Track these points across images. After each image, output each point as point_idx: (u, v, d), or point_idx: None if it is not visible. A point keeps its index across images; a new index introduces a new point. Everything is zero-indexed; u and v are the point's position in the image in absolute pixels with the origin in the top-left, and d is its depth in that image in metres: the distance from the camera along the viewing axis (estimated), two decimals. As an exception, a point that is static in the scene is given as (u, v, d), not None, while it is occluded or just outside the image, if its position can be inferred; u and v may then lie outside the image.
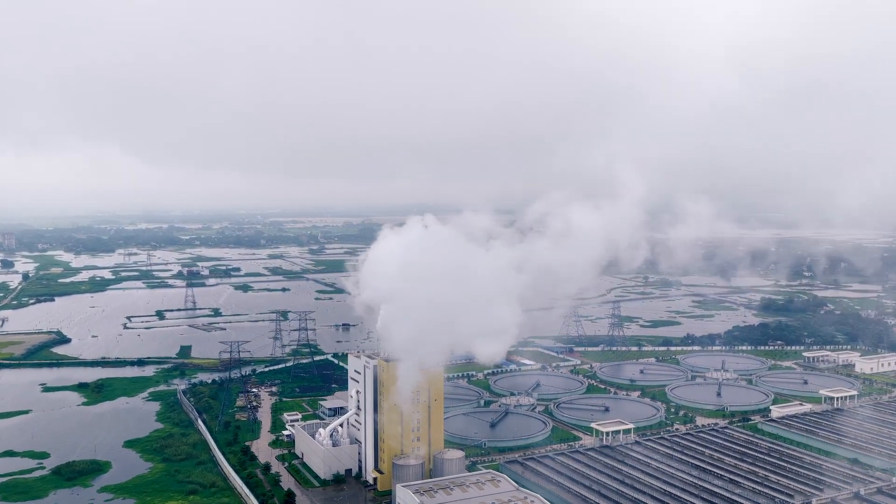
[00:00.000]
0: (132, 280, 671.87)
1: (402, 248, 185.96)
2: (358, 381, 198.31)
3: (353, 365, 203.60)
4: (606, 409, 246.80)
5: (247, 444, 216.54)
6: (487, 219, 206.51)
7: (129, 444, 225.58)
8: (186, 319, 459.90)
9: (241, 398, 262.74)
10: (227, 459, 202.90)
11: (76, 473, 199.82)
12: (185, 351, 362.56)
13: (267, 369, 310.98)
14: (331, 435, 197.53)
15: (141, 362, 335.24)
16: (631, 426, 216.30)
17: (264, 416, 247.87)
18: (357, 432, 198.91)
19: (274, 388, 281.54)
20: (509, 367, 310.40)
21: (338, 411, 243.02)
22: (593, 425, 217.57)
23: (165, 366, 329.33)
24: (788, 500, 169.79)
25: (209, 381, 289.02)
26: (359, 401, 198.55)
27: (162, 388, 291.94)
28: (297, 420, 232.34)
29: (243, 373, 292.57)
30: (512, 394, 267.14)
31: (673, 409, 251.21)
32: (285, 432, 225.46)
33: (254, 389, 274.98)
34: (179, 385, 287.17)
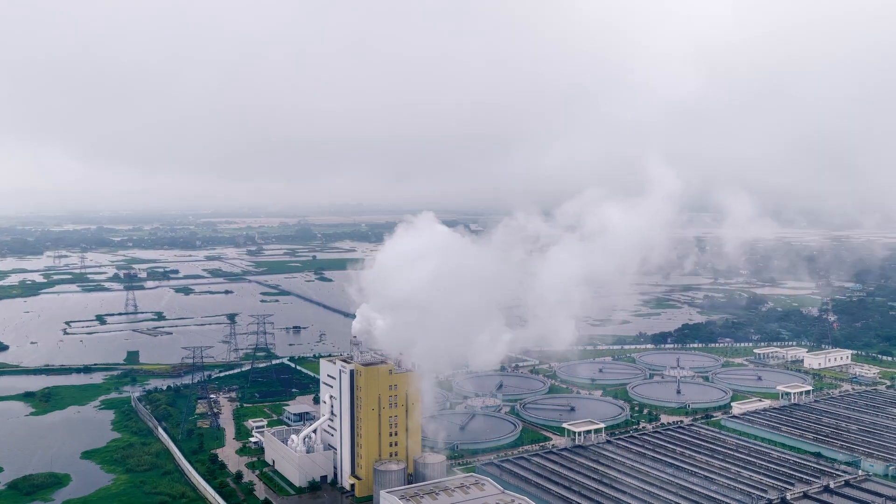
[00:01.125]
0: (66, 283, 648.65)
1: (423, 252, 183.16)
2: (332, 387, 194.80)
3: (325, 370, 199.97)
4: (572, 409, 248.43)
5: (213, 452, 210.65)
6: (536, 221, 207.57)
7: (88, 455, 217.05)
8: (129, 324, 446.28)
9: (200, 405, 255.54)
10: (196, 469, 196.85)
11: (34, 488, 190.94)
12: (132, 357, 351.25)
13: (222, 374, 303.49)
14: (304, 441, 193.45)
15: (87, 369, 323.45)
16: (602, 425, 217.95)
17: (227, 422, 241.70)
18: (331, 438, 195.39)
19: (233, 394, 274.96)
20: (469, 368, 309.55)
21: (303, 416, 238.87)
22: (565, 425, 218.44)
23: (114, 372, 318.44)
24: (763, 495, 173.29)
25: (164, 388, 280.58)
26: (332, 406, 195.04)
27: (114, 395, 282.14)
28: (262, 426, 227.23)
29: (196, 379, 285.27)
30: (476, 395, 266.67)
31: (637, 408, 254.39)
32: (252, 439, 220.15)
33: (212, 395, 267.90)
34: (133, 392, 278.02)
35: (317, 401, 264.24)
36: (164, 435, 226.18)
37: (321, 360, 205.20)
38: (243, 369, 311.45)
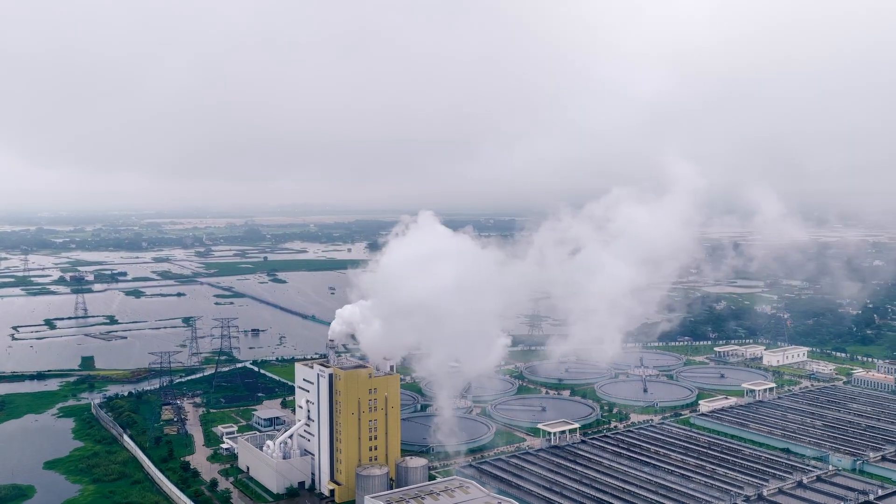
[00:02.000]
0: (8, 287, 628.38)
1: (432, 255, 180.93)
2: (309, 391, 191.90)
3: (301, 374, 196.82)
4: (543, 409, 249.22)
5: (184, 459, 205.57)
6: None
7: (50, 465, 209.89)
8: (80, 328, 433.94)
9: (165, 411, 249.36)
10: (168, 477, 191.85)
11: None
12: (87, 362, 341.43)
13: (185, 379, 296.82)
14: (280, 447, 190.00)
15: (41, 376, 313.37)
16: (577, 426, 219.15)
17: (194, 429, 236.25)
18: (308, 443, 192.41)
19: (197, 399, 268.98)
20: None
21: (273, 421, 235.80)
22: (540, 426, 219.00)
23: (70, 379, 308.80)
24: (740, 491, 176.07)
25: (126, 394, 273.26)
26: (309, 410, 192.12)
27: (72, 402, 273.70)
28: (232, 432, 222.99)
29: (162, 384, 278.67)
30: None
31: (606, 407, 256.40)
32: (224, 445, 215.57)
33: (177, 401, 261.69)
34: (92, 399, 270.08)
35: (285, 405, 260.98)
36: (131, 443, 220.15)
37: (296, 365, 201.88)
38: (206, 374, 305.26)
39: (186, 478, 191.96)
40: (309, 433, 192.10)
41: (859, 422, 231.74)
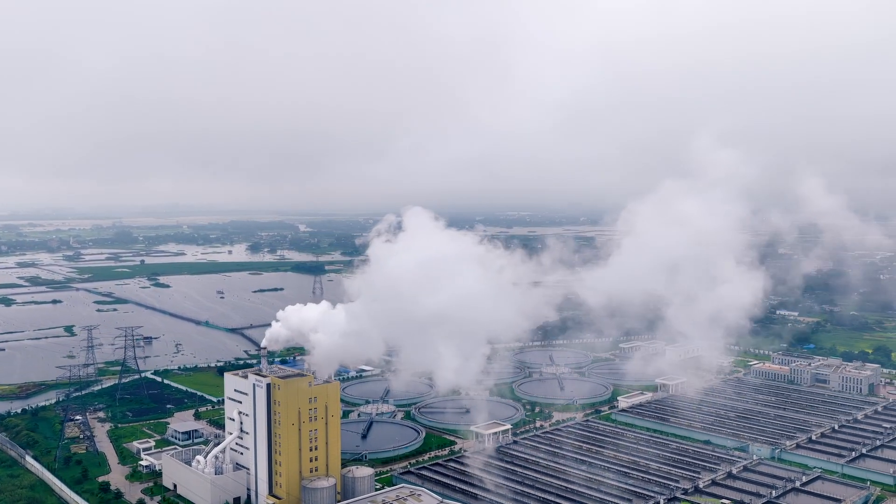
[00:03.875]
0: None
1: (449, 261, 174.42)
2: (241, 402, 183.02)
3: (232, 385, 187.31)
4: (467, 411, 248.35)
5: (101, 479, 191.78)
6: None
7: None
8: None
9: (69, 427, 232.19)
10: (87, 500, 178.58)
11: None
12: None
13: (82, 393, 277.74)
14: (212, 462, 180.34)
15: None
16: (509, 426, 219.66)
17: (104, 446, 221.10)
18: (242, 457, 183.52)
19: (101, 414, 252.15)
20: (349, 374, 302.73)
21: (191, 434, 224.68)
22: (473, 428, 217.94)
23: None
24: (677, 485, 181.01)
25: (19, 412, 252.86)
26: (242, 423, 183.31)
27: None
28: (150, 448, 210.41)
29: (55, 398, 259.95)
30: (367, 401, 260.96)
31: (528, 406, 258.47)
32: (143, 463, 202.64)
33: (78, 417, 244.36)
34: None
35: (199, 416, 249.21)
36: (36, 464, 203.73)
37: (226, 375, 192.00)
38: (104, 386, 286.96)
39: (108, 500, 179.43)
40: (242, 446, 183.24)
41: (768, 412, 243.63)
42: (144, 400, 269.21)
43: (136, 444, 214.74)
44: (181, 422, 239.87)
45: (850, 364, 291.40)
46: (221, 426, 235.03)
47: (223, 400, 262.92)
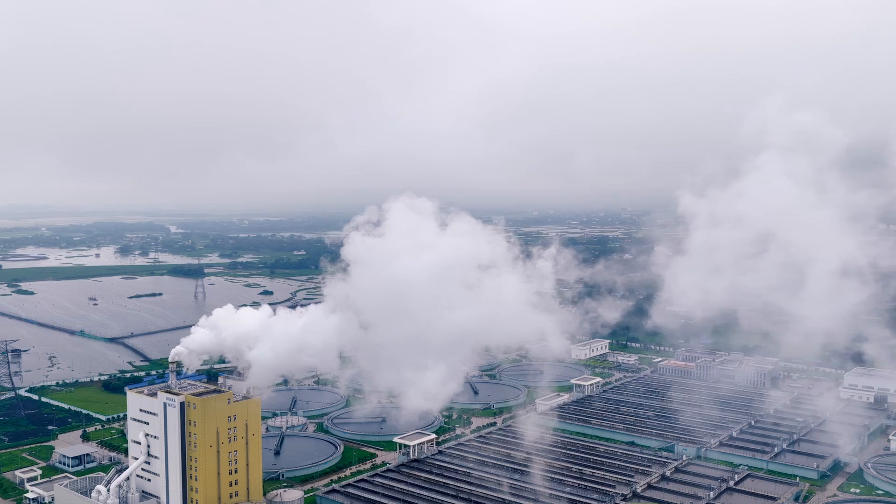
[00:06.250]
0: None
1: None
2: (149, 424, 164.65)
3: (137, 404, 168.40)
4: (384, 420, 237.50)
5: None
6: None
7: None
8: None
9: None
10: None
11: None
12: None
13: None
14: (116, 492, 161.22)
15: None
16: (433, 436, 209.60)
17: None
18: (149, 484, 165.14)
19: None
20: (236, 377, 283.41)
21: (83, 459, 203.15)
22: (397, 439, 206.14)
23: None
24: (614, 490, 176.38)
25: None
26: (149, 446, 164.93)
27: None
28: (35, 477, 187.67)
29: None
30: (275, 413, 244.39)
31: (444, 413, 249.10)
32: (29, 495, 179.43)
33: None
34: None
35: (87, 437, 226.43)
36: None
37: (129, 393, 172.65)
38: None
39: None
40: (150, 472, 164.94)
41: (685, 409, 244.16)
42: (21, 421, 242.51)
43: (18, 474, 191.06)
44: (68, 445, 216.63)
45: (751, 358, 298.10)
46: (115, 448, 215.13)
47: (114, 418, 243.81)
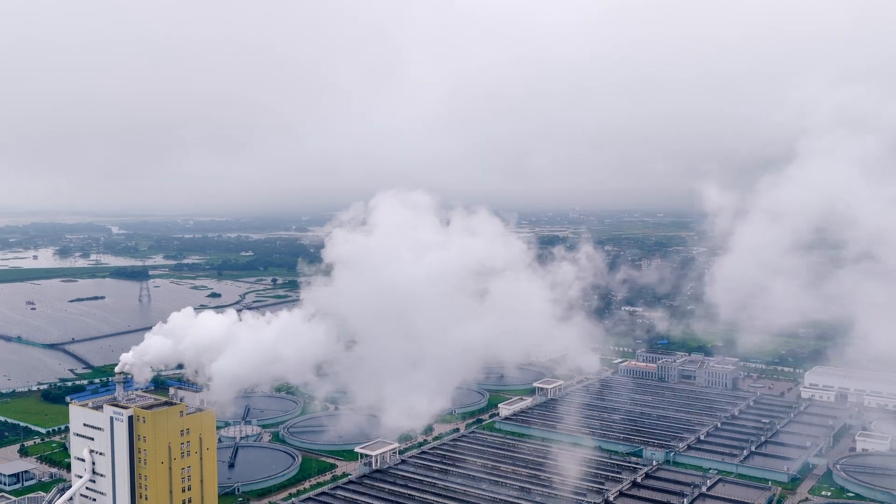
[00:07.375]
0: None
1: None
2: (94, 439, 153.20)
3: (81, 418, 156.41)
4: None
5: None
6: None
7: None
8: None
9: None
10: None
11: None
12: None
13: None
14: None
15: None
16: (396, 445, 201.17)
17: None
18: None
19: None
20: (197, 390, 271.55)
21: (20, 477, 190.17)
22: (358, 449, 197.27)
23: None
24: (584, 499, 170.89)
25: None
26: (94, 463, 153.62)
27: None
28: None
29: None
30: (227, 423, 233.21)
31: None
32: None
33: None
34: None
35: (24, 452, 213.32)
36: None
37: (72, 406, 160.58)
38: None
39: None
40: (96, 491, 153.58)
41: (650, 412, 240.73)
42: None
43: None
44: (5, 461, 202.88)
45: (711, 359, 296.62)
46: (56, 464, 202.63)
47: (54, 430, 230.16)
